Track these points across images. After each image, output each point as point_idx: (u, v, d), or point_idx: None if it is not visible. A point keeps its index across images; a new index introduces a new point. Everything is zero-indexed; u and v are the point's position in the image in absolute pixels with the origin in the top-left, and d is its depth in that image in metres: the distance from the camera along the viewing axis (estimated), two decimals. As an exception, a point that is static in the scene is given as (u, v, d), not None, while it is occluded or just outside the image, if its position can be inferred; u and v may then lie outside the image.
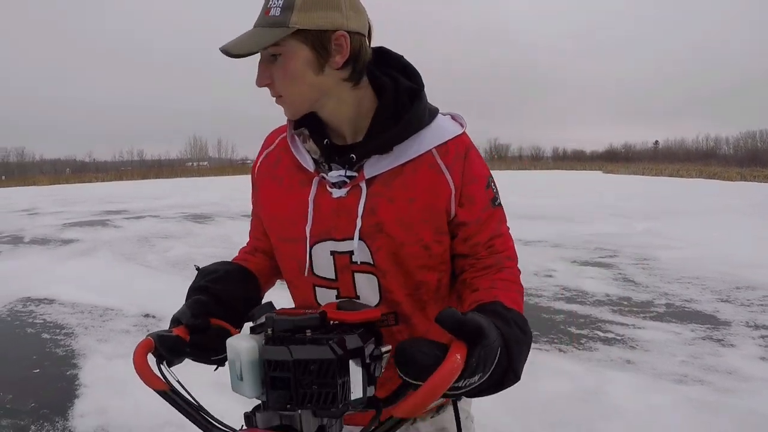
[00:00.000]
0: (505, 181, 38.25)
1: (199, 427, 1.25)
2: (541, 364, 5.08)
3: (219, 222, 15.62)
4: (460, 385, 0.96)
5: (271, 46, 1.21)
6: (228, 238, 12.40)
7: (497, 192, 1.46)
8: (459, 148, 1.37)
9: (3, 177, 58.12)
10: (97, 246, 11.44)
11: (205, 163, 71.70)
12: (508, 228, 1.50)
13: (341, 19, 1.21)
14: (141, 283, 8.21)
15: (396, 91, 1.34)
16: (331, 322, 1.09)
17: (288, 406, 1.04)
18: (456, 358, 0.94)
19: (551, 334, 5.95)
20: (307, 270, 1.44)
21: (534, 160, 73.79)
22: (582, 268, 9.07)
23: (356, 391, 1.03)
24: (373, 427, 1.02)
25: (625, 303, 7.04)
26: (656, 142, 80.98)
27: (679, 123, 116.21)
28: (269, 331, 1.05)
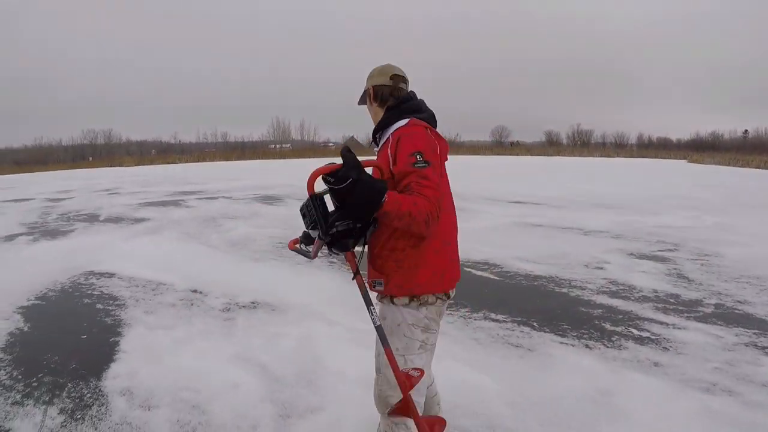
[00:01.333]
0: (582, 169, 37.22)
1: (321, 230, 2.46)
2: (561, 358, 4.87)
3: (286, 204, 15.78)
4: (330, 179, 2.31)
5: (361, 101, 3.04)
6: (289, 219, 12.49)
7: (421, 160, 2.46)
8: (396, 134, 2.63)
9: (90, 158, 60.21)
10: (165, 225, 11.82)
11: (288, 145, 72.29)
12: (429, 182, 2.43)
13: (371, 83, 2.91)
14: (197, 261, 8.47)
15: (388, 111, 2.82)
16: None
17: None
18: (334, 164, 2.33)
19: (582, 328, 5.68)
20: None
21: (617, 147, 71.39)
22: (636, 262, 8.67)
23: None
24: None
25: (672, 301, 6.67)
26: (746, 131, 77.02)
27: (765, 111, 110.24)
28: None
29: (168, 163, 50.51)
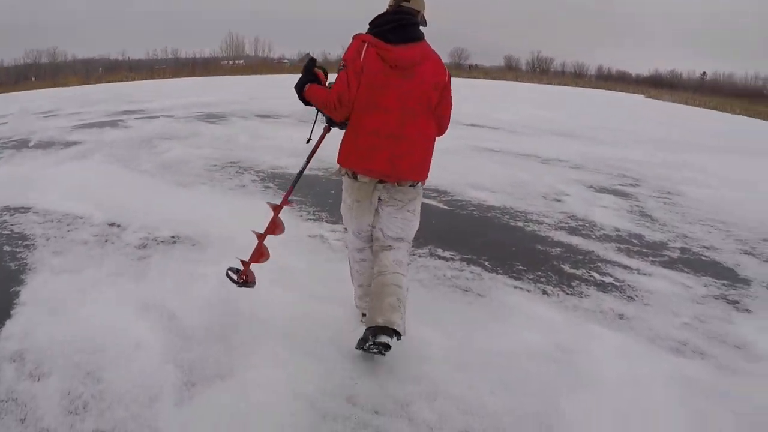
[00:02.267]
0: (541, 95, 36.68)
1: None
2: (516, 307, 4.34)
3: (231, 122, 14.71)
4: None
5: None
6: (232, 139, 11.61)
7: (342, 65, 3.27)
8: None
9: (33, 78, 56.29)
10: (96, 148, 10.68)
11: (241, 61, 69.46)
12: (338, 81, 3.27)
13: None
14: (121, 189, 7.46)
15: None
16: None
17: None
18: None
19: (539, 270, 5.16)
20: None
21: (576, 77, 71.09)
22: (597, 195, 8.18)
23: None
24: None
25: (635, 242, 6.20)
26: (704, 73, 77.18)
27: (729, 57, 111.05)
28: None
29: (115, 81, 47.98)
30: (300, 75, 3.50)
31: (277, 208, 3.67)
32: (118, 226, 5.94)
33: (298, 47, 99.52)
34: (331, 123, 3.59)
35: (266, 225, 3.68)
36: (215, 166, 9.01)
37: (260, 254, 3.70)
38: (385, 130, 3.24)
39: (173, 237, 5.62)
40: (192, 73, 53.52)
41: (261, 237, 3.69)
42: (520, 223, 6.57)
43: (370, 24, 3.33)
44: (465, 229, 6.32)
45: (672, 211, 7.65)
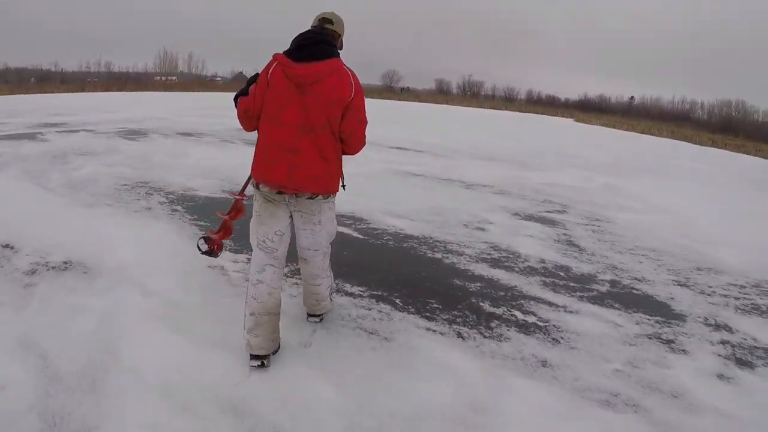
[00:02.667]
0: (470, 119, 36.67)
1: None
2: (427, 353, 3.82)
3: (151, 139, 13.88)
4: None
5: None
6: (148, 157, 10.88)
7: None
8: None
9: None
10: (9, 162, 9.92)
11: (174, 77, 68.02)
12: (244, 97, 3.52)
13: None
14: (23, 207, 6.81)
15: None
16: None
17: None
18: None
19: (456, 308, 4.65)
20: None
21: (507, 101, 71.90)
22: (522, 223, 7.77)
23: None
24: None
25: (562, 274, 5.77)
26: (632, 97, 79.26)
27: (656, 82, 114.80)
28: None
29: (45, 92, 46.04)
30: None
31: (239, 196, 4.02)
32: (12, 248, 5.35)
33: (232, 65, 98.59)
34: None
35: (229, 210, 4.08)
36: (125, 185, 8.37)
37: (228, 230, 4.05)
38: (286, 143, 3.34)
39: (65, 263, 5.03)
40: (123, 87, 51.84)
41: (227, 218, 4.04)
42: (438, 255, 6.07)
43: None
44: (378, 261, 5.78)
45: (601, 240, 7.29)
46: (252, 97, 3.42)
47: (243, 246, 3.37)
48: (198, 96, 40.17)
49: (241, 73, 73.07)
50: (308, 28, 3.55)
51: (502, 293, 5.09)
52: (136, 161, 10.46)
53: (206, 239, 3.88)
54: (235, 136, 15.08)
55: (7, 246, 5.36)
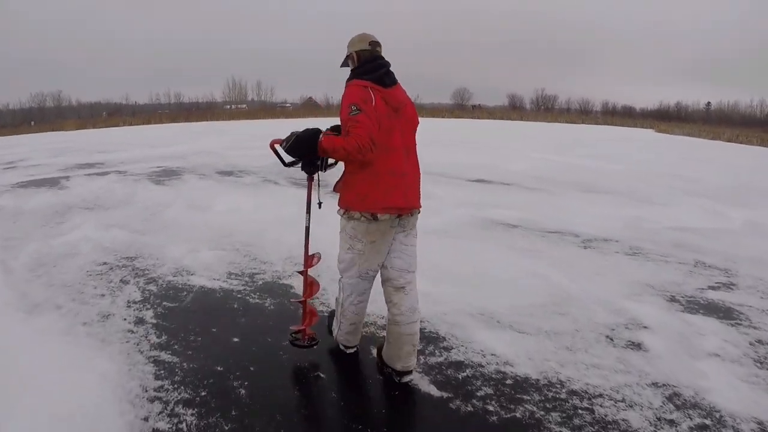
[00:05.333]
0: (549, 135, 33.11)
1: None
2: None
3: (181, 181, 11.59)
4: (284, 146, 3.42)
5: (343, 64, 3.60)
6: (160, 212, 8.56)
7: (355, 109, 3.13)
8: (342, 95, 3.30)
9: (33, 123, 53.05)
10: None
11: (244, 105, 66.55)
12: (359, 124, 3.10)
13: (353, 49, 3.49)
14: None
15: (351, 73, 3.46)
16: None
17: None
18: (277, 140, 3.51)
19: None
20: None
21: (582, 114, 67.22)
22: (689, 323, 4.65)
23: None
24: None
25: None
26: (708, 103, 73.50)
27: (731, 85, 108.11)
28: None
29: (111, 126, 44.78)
30: (295, 136, 3.41)
31: (304, 273, 3.77)
32: None
33: (301, 92, 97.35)
34: (312, 170, 3.55)
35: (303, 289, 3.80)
36: (103, 265, 6.01)
37: (312, 313, 3.89)
38: (398, 168, 3.34)
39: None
40: (189, 117, 50.30)
41: (305, 300, 3.84)
42: (550, 422, 3.07)
43: (358, 70, 3.43)
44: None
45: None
46: (371, 125, 3.14)
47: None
48: (262, 123, 38.08)
49: (310, 98, 71.35)
50: (363, 48, 3.50)
51: None
52: (144, 218, 8.17)
53: (295, 339, 3.85)
54: (281, 173, 12.47)
55: None
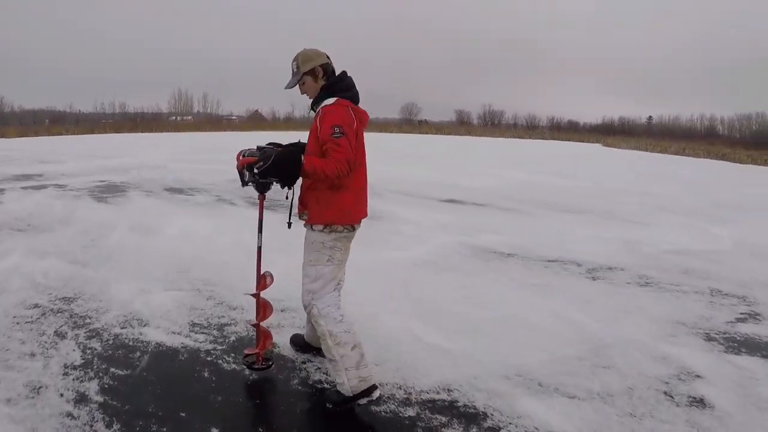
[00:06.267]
0: (501, 150, 32.88)
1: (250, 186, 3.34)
2: None
3: (126, 200, 10.45)
4: (256, 166, 3.17)
5: (299, 83, 3.46)
6: (104, 236, 7.53)
7: (338, 132, 3.11)
8: (323, 111, 3.26)
9: None
10: None
11: (189, 117, 64.86)
12: (341, 148, 3.09)
13: (316, 62, 3.40)
14: None
15: (322, 90, 3.40)
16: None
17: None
18: (251, 158, 3.26)
19: None
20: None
21: (529, 129, 67.74)
22: (738, 365, 4.12)
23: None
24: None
25: None
26: (650, 117, 75.13)
27: (669, 100, 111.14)
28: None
29: (54, 134, 42.85)
30: (274, 155, 3.21)
31: (257, 295, 3.67)
32: None
33: (247, 105, 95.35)
34: (264, 189, 3.43)
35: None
36: (33, 308, 4.85)
37: (266, 335, 3.79)
38: (366, 182, 3.54)
39: None
40: (135, 128, 48.52)
41: (259, 322, 3.72)
42: None
43: (333, 88, 3.44)
44: None
45: None
46: (351, 149, 3.16)
47: None
48: (205, 137, 36.35)
49: (256, 111, 69.96)
50: (325, 62, 3.49)
51: None
52: (84, 244, 7.06)
53: (250, 363, 3.76)
54: (236, 191, 11.46)
55: None
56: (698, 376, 3.93)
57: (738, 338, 4.72)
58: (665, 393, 3.65)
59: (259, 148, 3.33)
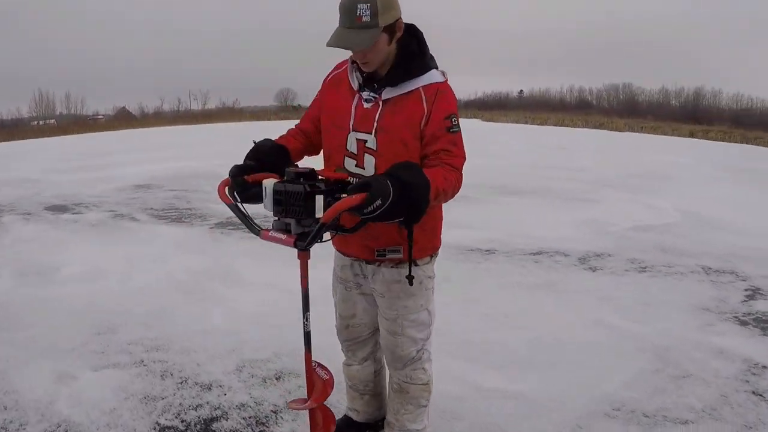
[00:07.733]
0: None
1: (246, 226, 2.00)
2: None
3: (2, 227, 7.81)
4: (366, 211, 1.75)
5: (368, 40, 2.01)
6: None
7: (456, 124, 2.14)
8: (434, 89, 2.15)
9: None
10: None
11: (52, 121, 59.82)
12: (458, 150, 2.14)
13: (397, 12, 2.07)
14: None
15: (406, 51, 2.17)
16: (320, 177, 1.95)
17: (283, 215, 1.90)
18: (353, 197, 1.75)
19: None
20: (347, 145, 2.22)
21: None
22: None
23: (318, 213, 1.83)
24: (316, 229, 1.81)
25: None
26: (521, 91, 78.01)
27: (536, 74, 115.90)
28: (283, 176, 1.96)
29: None
30: (398, 182, 1.82)
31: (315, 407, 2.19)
32: None
33: (114, 101, 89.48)
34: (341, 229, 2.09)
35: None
36: None
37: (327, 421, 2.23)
38: None
39: None
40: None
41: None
42: None
43: (429, 56, 2.28)
44: None
45: None
46: (464, 155, 2.23)
47: None
48: (75, 140, 31.12)
49: (124, 108, 65.57)
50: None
51: None
52: None
53: None
54: (136, 203, 9.47)
55: None
56: (765, 367, 3.86)
57: (764, 318, 4.73)
58: (754, 393, 3.52)
59: (259, 148, 2.24)
